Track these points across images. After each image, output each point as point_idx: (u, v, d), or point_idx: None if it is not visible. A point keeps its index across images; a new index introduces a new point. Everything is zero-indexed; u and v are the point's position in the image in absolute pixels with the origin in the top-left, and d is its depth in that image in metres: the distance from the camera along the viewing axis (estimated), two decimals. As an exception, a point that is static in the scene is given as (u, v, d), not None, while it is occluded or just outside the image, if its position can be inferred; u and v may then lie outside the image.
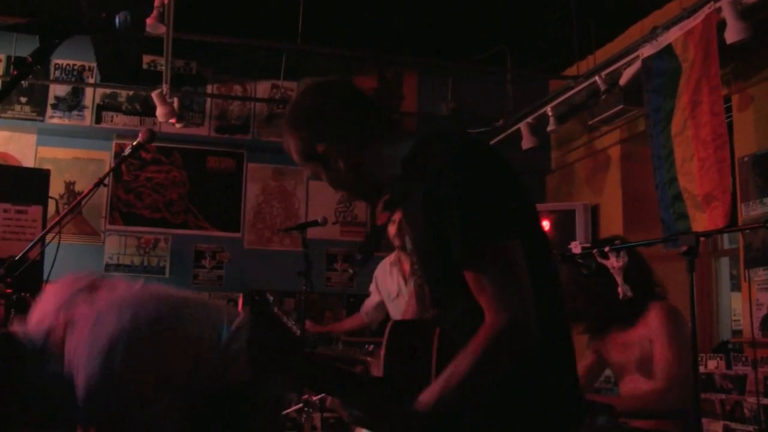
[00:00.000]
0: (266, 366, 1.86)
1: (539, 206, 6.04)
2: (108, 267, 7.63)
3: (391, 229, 5.38)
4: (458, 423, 1.87)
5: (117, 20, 1.81)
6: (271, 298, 6.01)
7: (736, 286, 6.31)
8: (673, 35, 5.56)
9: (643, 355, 3.71)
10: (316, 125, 2.07)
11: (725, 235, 6.52)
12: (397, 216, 5.34)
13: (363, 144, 2.06)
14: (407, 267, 5.38)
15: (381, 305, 5.63)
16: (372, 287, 5.71)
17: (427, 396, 1.81)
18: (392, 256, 5.54)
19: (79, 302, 2.65)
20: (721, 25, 5.11)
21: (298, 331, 5.31)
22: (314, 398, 4.80)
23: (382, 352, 2.03)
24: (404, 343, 2.05)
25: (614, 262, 3.65)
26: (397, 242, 5.38)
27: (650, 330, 3.68)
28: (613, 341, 3.86)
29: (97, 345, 2.46)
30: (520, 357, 1.80)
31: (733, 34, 4.98)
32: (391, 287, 5.44)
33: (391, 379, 1.96)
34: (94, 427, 2.52)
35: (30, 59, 1.62)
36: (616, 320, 3.82)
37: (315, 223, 5.99)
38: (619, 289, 3.62)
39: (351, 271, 5.35)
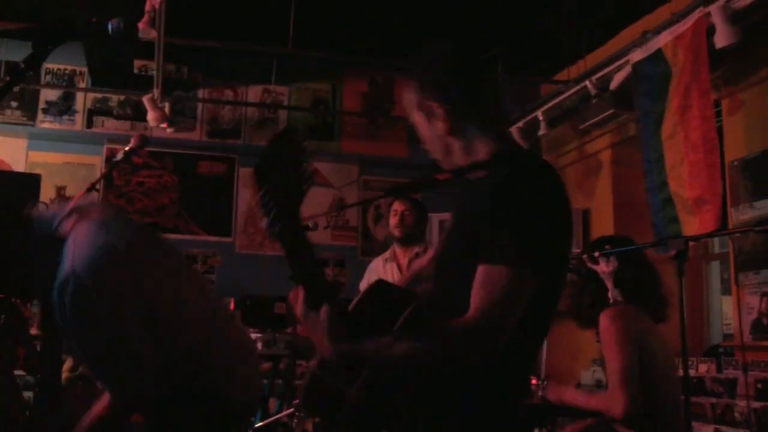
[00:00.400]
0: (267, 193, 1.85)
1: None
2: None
3: (393, 221, 5.41)
4: (389, 396, 1.93)
5: (110, 26, 1.81)
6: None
7: (726, 290, 6.33)
8: (663, 40, 5.58)
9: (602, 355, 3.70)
10: (441, 84, 2.12)
11: (716, 239, 6.53)
12: (399, 207, 5.37)
13: (465, 124, 2.11)
14: (404, 261, 5.40)
15: None
16: (363, 284, 5.70)
17: (371, 343, 1.87)
18: (386, 254, 5.55)
19: (94, 210, 2.72)
20: (711, 30, 5.13)
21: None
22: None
23: (354, 301, 2.03)
24: (379, 299, 2.06)
25: (604, 267, 3.65)
26: (397, 233, 5.40)
27: (601, 334, 3.64)
28: None
29: (90, 245, 2.52)
30: (472, 362, 1.86)
31: (722, 38, 5.01)
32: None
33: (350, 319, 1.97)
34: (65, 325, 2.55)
35: (23, 65, 1.61)
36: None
37: (306, 228, 5.98)
38: (609, 294, 3.63)
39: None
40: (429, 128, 2.16)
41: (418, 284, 2.35)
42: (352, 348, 1.87)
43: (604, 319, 3.57)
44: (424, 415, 1.95)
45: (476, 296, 1.83)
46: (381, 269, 5.52)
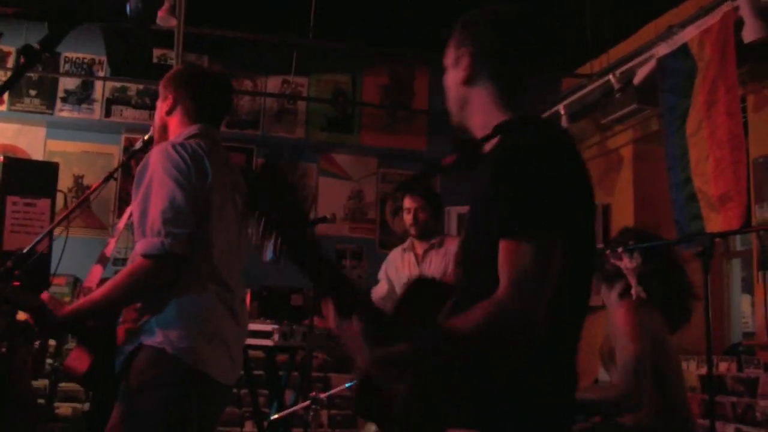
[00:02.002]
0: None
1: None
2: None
3: (407, 219, 5.37)
4: (440, 392, 1.88)
5: (128, 8, 1.78)
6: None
7: (746, 288, 6.25)
8: (689, 34, 5.50)
9: (611, 347, 3.63)
10: (478, 32, 2.12)
11: (737, 237, 6.46)
12: (411, 205, 5.33)
13: (487, 81, 2.09)
14: (420, 251, 5.38)
15: (390, 296, 5.59)
16: (381, 275, 5.68)
17: (408, 342, 1.80)
18: (405, 244, 5.54)
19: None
20: (738, 24, 5.05)
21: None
22: (322, 395, 4.75)
23: (397, 299, 2.02)
24: (418, 296, 2.05)
25: (627, 263, 3.60)
26: (413, 231, 5.37)
27: (615, 324, 3.58)
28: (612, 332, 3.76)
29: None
30: (519, 347, 1.78)
31: (750, 33, 4.92)
32: (403, 273, 5.42)
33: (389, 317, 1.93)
34: None
35: (38, 47, 1.59)
36: None
37: (324, 220, 5.94)
38: (633, 291, 3.57)
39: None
40: (451, 76, 2.14)
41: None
42: (389, 352, 1.79)
43: (620, 310, 3.53)
44: (479, 405, 1.87)
45: (502, 273, 1.77)
46: (399, 260, 5.50)
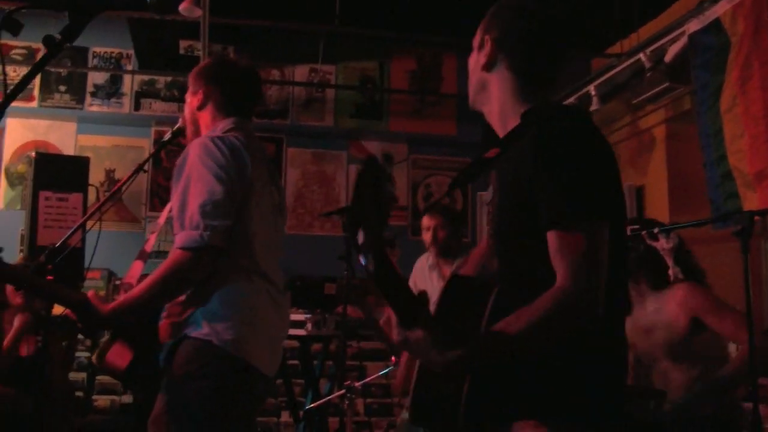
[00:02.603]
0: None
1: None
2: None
3: (426, 237, 5.25)
4: (509, 377, 1.89)
5: (149, -4, 1.76)
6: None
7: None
8: (721, 9, 5.40)
9: (670, 339, 3.56)
10: (505, 20, 2.11)
11: (772, 215, 6.35)
12: (430, 223, 5.21)
13: (507, 69, 2.09)
14: (447, 271, 5.26)
15: None
16: (411, 282, 5.61)
17: (477, 340, 1.84)
18: (430, 258, 5.40)
19: None
20: (772, -2, 4.96)
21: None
22: (356, 384, 4.75)
23: (434, 302, 1.98)
24: (459, 296, 2.04)
25: (664, 244, 3.55)
26: (433, 251, 5.25)
27: (684, 311, 3.51)
28: (634, 328, 3.67)
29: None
30: (580, 331, 1.81)
31: (784, 5, 4.83)
32: (428, 290, 5.34)
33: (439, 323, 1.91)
34: None
35: (59, 37, 1.57)
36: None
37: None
38: (670, 272, 3.53)
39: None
40: (474, 59, 2.14)
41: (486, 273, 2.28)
42: (463, 352, 1.79)
43: (691, 289, 3.47)
44: (547, 392, 1.89)
45: (558, 264, 1.80)
46: (426, 276, 5.37)
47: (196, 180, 2.77)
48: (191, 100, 3.14)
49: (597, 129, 1.95)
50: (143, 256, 3.30)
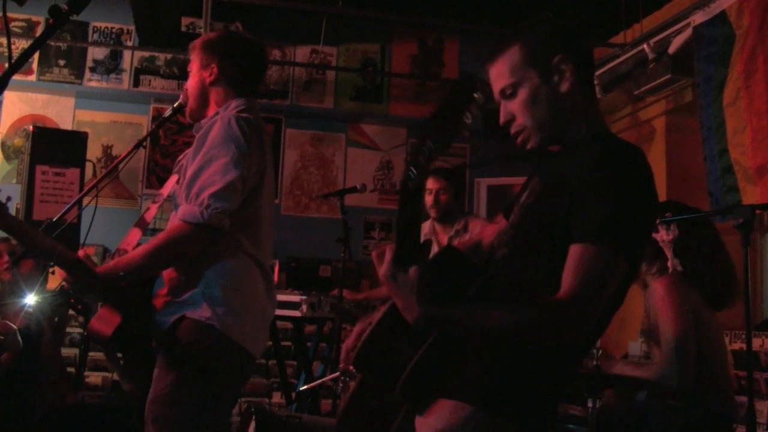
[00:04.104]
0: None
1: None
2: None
3: (428, 200, 5.29)
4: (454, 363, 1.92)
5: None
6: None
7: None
8: (726, 1, 5.39)
9: (649, 326, 3.59)
10: (569, 41, 2.06)
11: (769, 209, 6.34)
12: (433, 186, 5.24)
13: (583, 91, 2.06)
14: (444, 238, 5.30)
15: None
16: None
17: (462, 309, 1.87)
18: (425, 228, 5.42)
19: None
20: (778, -9, 4.94)
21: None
22: (351, 367, 4.74)
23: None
24: (447, 267, 2.04)
25: (664, 236, 3.54)
26: (433, 213, 5.31)
27: (654, 301, 3.52)
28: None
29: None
30: (562, 341, 1.84)
31: (791, -1, 4.81)
32: None
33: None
34: None
35: (66, 8, 1.55)
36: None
37: (354, 190, 5.90)
38: (669, 263, 3.52)
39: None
40: (543, 88, 2.03)
41: (477, 255, 2.26)
42: (443, 312, 1.83)
43: (659, 287, 3.48)
44: (489, 380, 1.92)
45: (572, 275, 1.79)
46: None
47: (214, 157, 2.76)
48: (202, 74, 3.05)
49: (650, 171, 1.94)
50: (142, 224, 3.28)
